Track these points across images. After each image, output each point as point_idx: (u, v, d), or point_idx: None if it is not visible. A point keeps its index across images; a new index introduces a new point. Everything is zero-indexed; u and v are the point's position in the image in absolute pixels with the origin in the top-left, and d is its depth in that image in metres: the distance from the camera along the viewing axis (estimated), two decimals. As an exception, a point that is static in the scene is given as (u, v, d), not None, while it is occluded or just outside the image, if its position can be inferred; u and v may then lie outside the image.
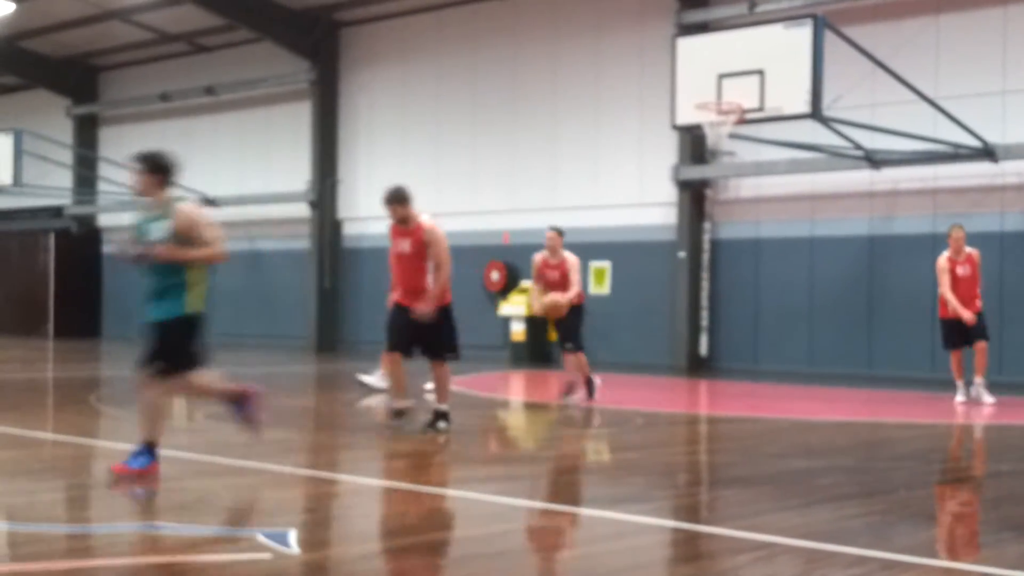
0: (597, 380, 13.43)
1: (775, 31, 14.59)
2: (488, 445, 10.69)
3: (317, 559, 5.64)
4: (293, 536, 5.86)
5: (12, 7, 23.97)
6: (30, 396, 14.26)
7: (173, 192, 7.94)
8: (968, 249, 13.61)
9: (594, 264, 21.00)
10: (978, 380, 13.42)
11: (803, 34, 14.16)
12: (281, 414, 12.41)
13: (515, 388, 16.93)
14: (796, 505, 7.10)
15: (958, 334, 13.56)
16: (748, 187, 19.36)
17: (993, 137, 16.28)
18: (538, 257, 13.36)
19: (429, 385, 14.07)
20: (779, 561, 5.61)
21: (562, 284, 13.17)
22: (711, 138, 15.67)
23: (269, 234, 25.84)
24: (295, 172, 25.15)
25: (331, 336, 24.33)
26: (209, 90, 26.51)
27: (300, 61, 24.65)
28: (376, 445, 10.01)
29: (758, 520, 6.52)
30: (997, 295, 16.13)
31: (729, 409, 13.99)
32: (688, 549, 6.15)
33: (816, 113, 14.27)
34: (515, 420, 13.31)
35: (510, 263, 21.90)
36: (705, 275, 19.62)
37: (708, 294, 19.62)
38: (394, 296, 10.34)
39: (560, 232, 13.38)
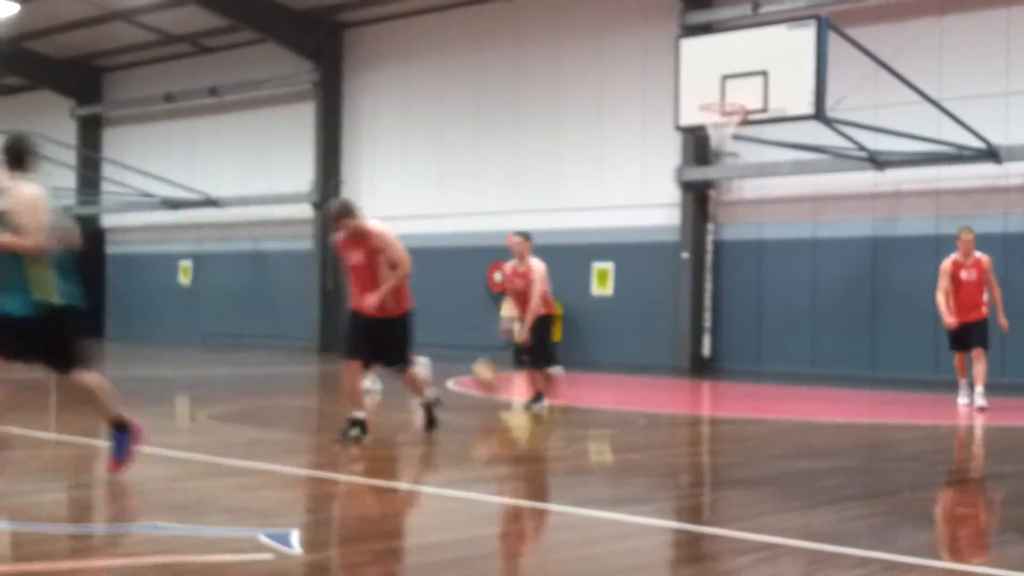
0: (545, 403, 12.80)
1: (779, 32, 14.59)
2: (490, 446, 10.69)
3: (319, 560, 5.64)
4: (295, 536, 5.86)
5: (16, 8, 23.99)
6: (33, 396, 14.26)
7: (28, 177, 7.36)
8: (977, 254, 13.30)
9: (597, 265, 21.01)
10: (976, 389, 13.06)
11: (807, 35, 14.16)
12: (283, 415, 12.43)
13: (517, 389, 16.92)
14: (799, 506, 7.09)
15: (958, 338, 13.29)
16: (751, 188, 19.36)
17: (996, 138, 16.26)
18: (508, 265, 12.83)
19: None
20: (782, 562, 5.60)
21: (527, 293, 12.62)
22: (714, 139, 15.67)
23: (272, 235, 25.86)
24: (298, 173, 25.17)
25: (333, 337, 24.31)
26: (213, 91, 26.54)
27: (303, 62, 24.67)
28: (379, 446, 10.00)
29: (761, 521, 6.51)
30: (1002, 297, 16.14)
31: (732, 410, 13.98)
32: (691, 550, 6.15)
33: (819, 114, 14.26)
34: (517, 421, 13.30)
35: (513, 264, 21.86)
36: (708, 276, 19.61)
37: (711, 295, 19.61)
38: (353, 304, 9.95)
39: (526, 236, 12.77)
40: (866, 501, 7.43)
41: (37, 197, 7.20)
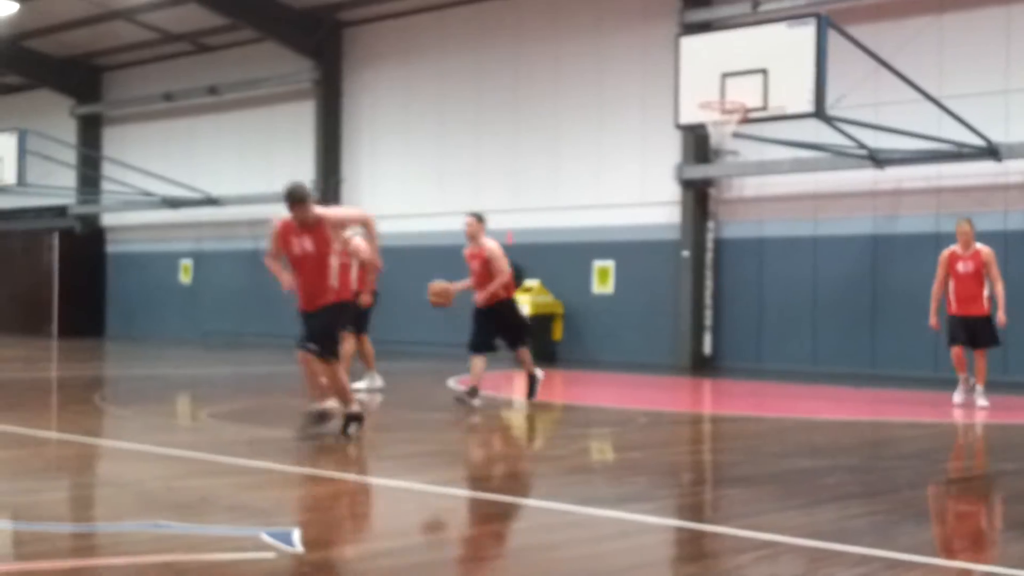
0: (540, 374, 12.88)
1: (778, 30, 14.58)
2: (491, 444, 10.69)
3: (321, 558, 5.64)
4: (297, 535, 5.86)
5: (15, 7, 23.99)
6: (34, 395, 14.27)
7: None
8: (977, 246, 13.06)
9: (598, 263, 21.01)
10: (977, 387, 12.96)
11: (806, 33, 14.15)
12: (284, 413, 12.43)
13: (518, 387, 16.92)
14: (800, 504, 7.10)
15: (961, 331, 13.07)
16: (751, 186, 19.36)
17: (997, 136, 16.27)
18: (466, 251, 12.75)
19: (360, 384, 14.12)
20: (783, 560, 5.61)
21: (483, 275, 12.47)
22: (714, 137, 15.66)
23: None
24: (298, 172, 25.13)
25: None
26: (212, 90, 26.53)
27: (303, 61, 24.67)
28: (380, 444, 10.01)
29: (762, 519, 6.51)
30: (1004, 294, 16.16)
31: (733, 408, 13.99)
32: (692, 548, 6.15)
33: (819, 112, 14.26)
34: (518, 419, 13.30)
35: (514, 262, 21.82)
36: (709, 274, 19.62)
37: (712, 293, 19.62)
38: (288, 284, 9.61)
39: (479, 217, 12.61)
40: (867, 499, 7.43)
41: None
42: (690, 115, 15.18)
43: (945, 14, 17.32)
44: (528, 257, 21.83)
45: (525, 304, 20.74)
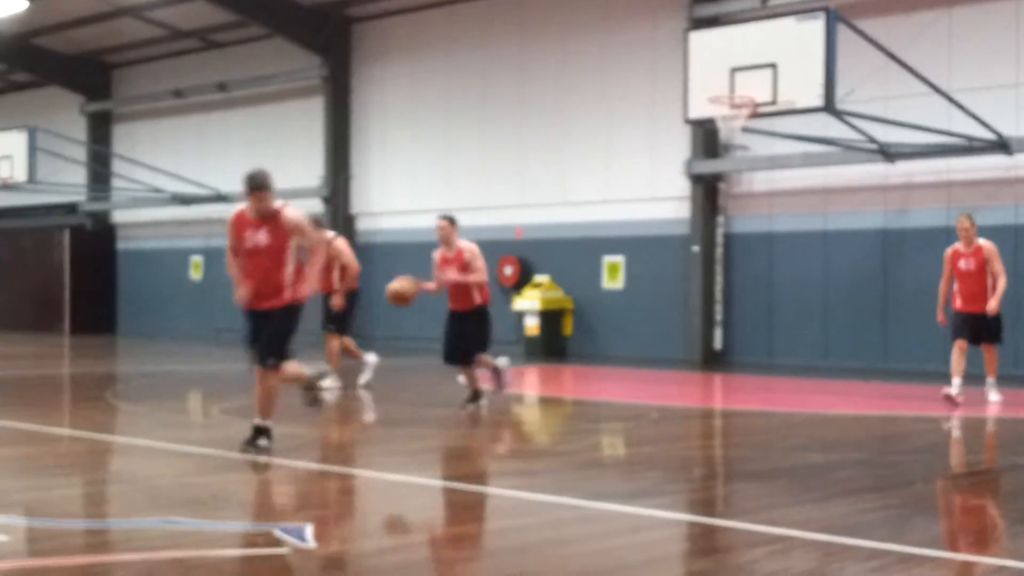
0: (503, 362, 12.28)
1: (787, 24, 14.55)
2: (502, 440, 10.70)
3: (334, 553, 5.65)
4: (310, 531, 5.87)
5: (25, 5, 24.03)
6: (46, 392, 14.32)
7: None
8: (980, 241, 12.93)
9: (608, 259, 21.00)
10: (988, 380, 12.82)
11: (815, 27, 14.12)
12: (296, 409, 12.44)
13: (529, 383, 16.94)
14: (812, 499, 7.09)
15: (966, 328, 12.77)
16: (761, 181, 19.33)
17: (1007, 129, 16.22)
18: (436, 253, 12.04)
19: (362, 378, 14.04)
20: (795, 555, 5.61)
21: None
22: (724, 132, 15.63)
23: (282, 230, 25.89)
24: (307, 168, 25.19)
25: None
26: (221, 86, 26.56)
27: (312, 57, 24.68)
28: (393, 440, 10.03)
29: (774, 514, 6.51)
30: (1013, 288, 16.10)
31: (744, 403, 13.98)
32: (704, 543, 6.15)
33: (829, 106, 14.23)
34: (530, 415, 13.32)
35: (523, 258, 21.91)
36: (719, 269, 19.59)
37: (722, 288, 19.60)
38: (242, 297, 8.91)
39: (451, 220, 11.96)
40: (879, 493, 7.43)
41: None
42: (699, 110, 15.16)
43: (955, 7, 17.26)
44: (537, 253, 21.84)
45: (535, 300, 20.76)
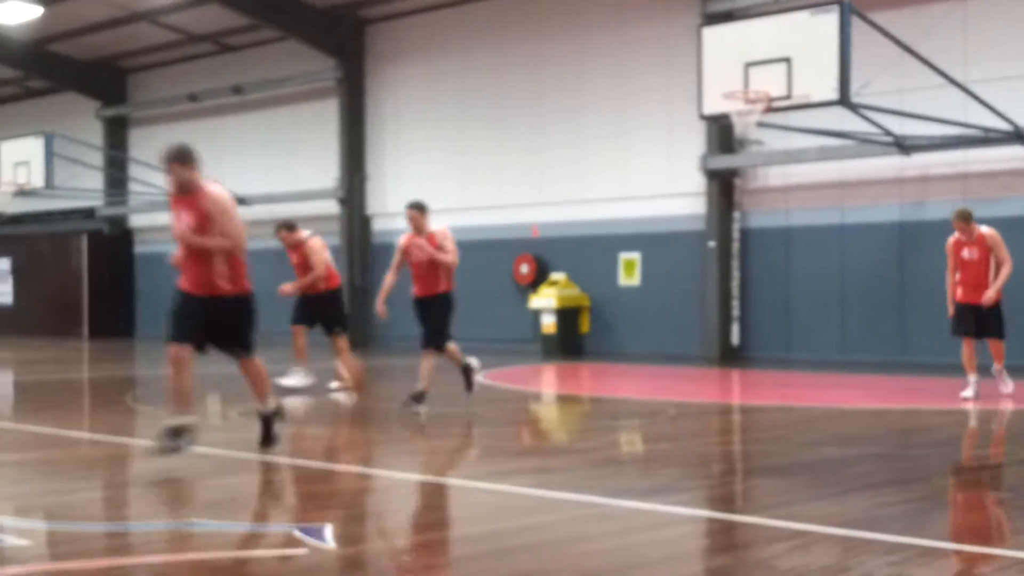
0: (474, 362, 12.03)
1: (801, 18, 14.52)
2: (520, 438, 10.70)
3: (354, 554, 5.66)
4: (329, 531, 5.89)
5: (40, 11, 24.13)
6: (66, 396, 14.38)
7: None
8: (982, 229, 12.40)
9: (624, 255, 20.99)
10: (996, 368, 12.58)
11: (830, 20, 14.08)
12: (316, 410, 12.48)
13: (546, 381, 16.94)
14: (831, 493, 7.08)
15: (969, 321, 12.49)
16: (777, 175, 19.29)
17: (1023, 120, 16.14)
18: (402, 239, 11.79)
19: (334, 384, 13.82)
20: (815, 550, 5.60)
21: (430, 266, 11.49)
22: (739, 127, 15.61)
23: (299, 232, 25.94)
24: (323, 169, 25.24)
25: (363, 332, 24.37)
26: (236, 89, 26.63)
27: (326, 59, 24.72)
28: (410, 439, 10.04)
29: (793, 509, 6.50)
30: (1007, 273, 16.06)
31: (762, 398, 13.95)
32: (723, 539, 6.15)
33: (844, 100, 14.19)
34: (547, 413, 13.32)
35: (540, 256, 21.91)
36: (735, 264, 19.56)
37: (739, 283, 19.56)
38: (180, 283, 8.51)
39: (421, 208, 11.81)
40: (899, 487, 7.41)
41: None
42: (714, 105, 15.13)
43: (969, -2, 17.19)
44: (554, 251, 21.84)
45: (552, 298, 20.76)
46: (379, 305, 12.01)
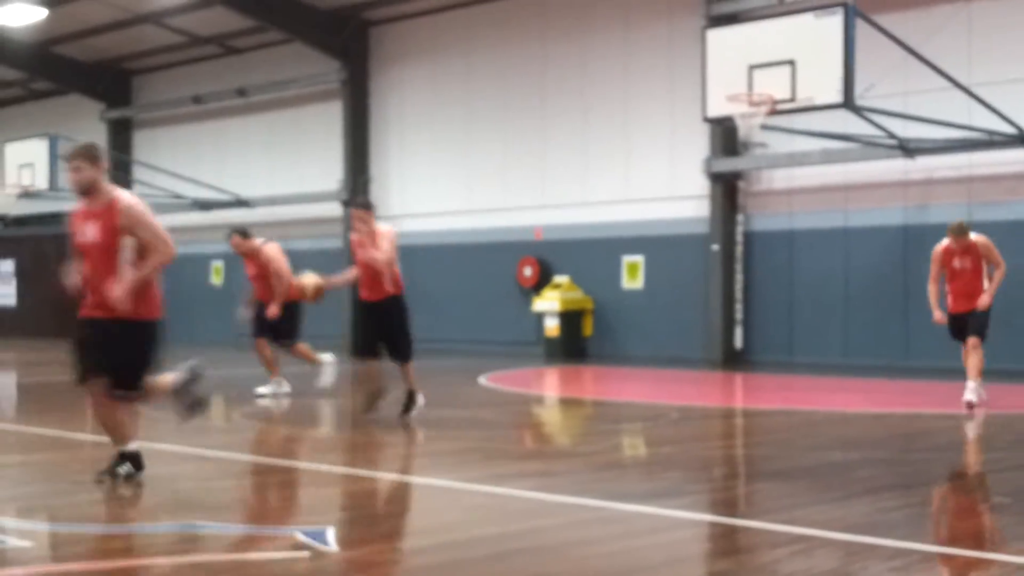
0: (421, 400, 11.16)
1: (805, 20, 14.51)
2: (523, 441, 10.70)
3: (357, 557, 5.66)
4: (332, 534, 5.88)
5: (44, 13, 24.16)
6: (68, 398, 14.37)
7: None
8: (972, 236, 11.99)
9: (627, 258, 20.98)
10: (968, 383, 11.91)
11: (834, 23, 14.08)
12: (318, 413, 12.49)
13: (549, 384, 16.93)
14: (834, 498, 7.07)
15: (956, 329, 12.28)
16: (781, 178, 19.28)
17: (1028, 123, 16.13)
18: (352, 237, 11.06)
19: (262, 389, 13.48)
20: (818, 554, 5.59)
21: (370, 264, 10.73)
22: (743, 130, 15.60)
23: (302, 233, 25.92)
24: (327, 171, 25.25)
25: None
26: (241, 92, 26.65)
27: (330, 61, 24.73)
28: (413, 442, 10.03)
29: (796, 513, 6.49)
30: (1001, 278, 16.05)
31: (765, 402, 13.94)
32: (725, 543, 6.14)
33: (848, 102, 14.18)
34: (549, 416, 13.31)
35: (543, 259, 21.90)
36: (739, 267, 19.55)
37: (742, 286, 19.55)
38: (82, 309, 7.68)
39: (367, 206, 10.95)
40: (901, 491, 7.40)
41: None
42: (718, 108, 15.13)
43: (973, 1, 17.18)
44: (557, 254, 21.83)
45: (555, 301, 20.75)
46: (335, 278, 11.71)
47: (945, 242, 12.09)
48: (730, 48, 15.05)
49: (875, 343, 18.07)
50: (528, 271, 21.94)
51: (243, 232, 13.73)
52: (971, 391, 11.89)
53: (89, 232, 7.33)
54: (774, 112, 14.65)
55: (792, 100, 14.44)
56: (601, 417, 12.65)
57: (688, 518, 6.55)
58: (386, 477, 8.21)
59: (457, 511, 6.90)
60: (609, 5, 21.17)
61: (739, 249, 19.55)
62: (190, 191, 27.07)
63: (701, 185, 19.75)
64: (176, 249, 7.48)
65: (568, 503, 6.86)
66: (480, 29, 23.04)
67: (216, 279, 28.13)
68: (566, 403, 14.47)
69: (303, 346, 13.75)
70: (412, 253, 24.08)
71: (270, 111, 26.77)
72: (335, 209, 24.96)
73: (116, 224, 7.24)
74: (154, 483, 7.56)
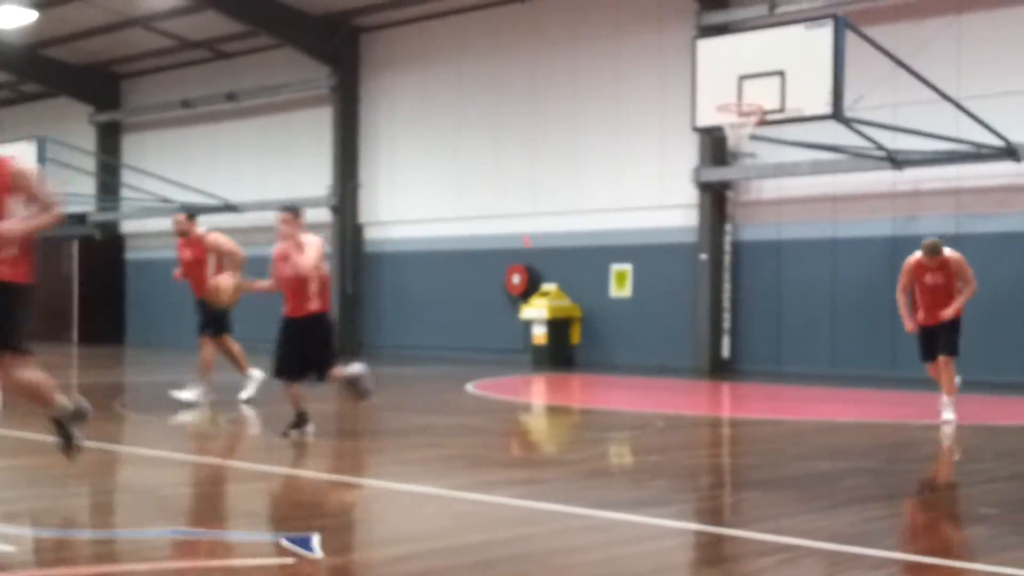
0: (358, 368, 10.60)
1: (795, 32, 14.55)
2: (510, 449, 10.69)
3: (341, 563, 5.65)
4: (317, 540, 5.87)
5: (34, 15, 24.12)
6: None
7: None
8: (946, 252, 11.78)
9: (616, 267, 20.99)
10: (942, 400, 11.80)
11: (824, 35, 14.11)
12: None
13: (536, 392, 16.93)
14: (820, 507, 7.07)
15: (925, 345, 12.14)
16: (769, 188, 19.32)
17: (1016, 136, 16.18)
18: (275, 248, 10.44)
19: (243, 394, 13.42)
20: (803, 564, 5.59)
21: (294, 279, 10.11)
22: (732, 140, 15.63)
23: (291, 239, 25.94)
24: (316, 177, 25.23)
25: (354, 341, 24.35)
26: (230, 96, 26.63)
27: (320, 67, 24.73)
28: (400, 449, 10.02)
29: (782, 523, 6.50)
30: (1022, 297, 16.12)
31: (752, 411, 13.96)
32: (711, 552, 6.14)
33: (837, 114, 14.21)
34: (536, 424, 13.30)
35: (531, 266, 21.91)
36: (727, 277, 19.58)
37: (730, 296, 19.58)
38: None
39: (296, 212, 10.31)
40: (888, 502, 7.41)
41: None
42: (707, 118, 15.16)
43: (963, 14, 17.25)
44: (545, 261, 21.84)
45: (543, 309, 20.75)
46: (251, 284, 11.19)
47: (918, 254, 11.91)
48: (720, 58, 15.08)
49: (863, 353, 18.11)
50: (516, 279, 21.94)
51: (191, 215, 13.76)
52: (948, 408, 11.75)
53: None
54: (763, 123, 14.68)
55: (781, 111, 14.47)
56: (588, 425, 12.65)
57: (674, 527, 6.54)
58: (372, 484, 8.20)
59: (444, 518, 6.89)
60: (600, 14, 21.20)
61: (727, 259, 19.58)
62: (178, 195, 26.99)
63: (690, 194, 19.79)
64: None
65: (555, 511, 6.85)
66: (471, 36, 23.06)
67: (204, 284, 28.06)
68: (553, 411, 14.46)
69: (238, 347, 13.67)
70: (400, 259, 24.09)
71: (259, 116, 26.75)
72: (324, 215, 24.93)
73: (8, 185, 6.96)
74: (139, 489, 7.53)
